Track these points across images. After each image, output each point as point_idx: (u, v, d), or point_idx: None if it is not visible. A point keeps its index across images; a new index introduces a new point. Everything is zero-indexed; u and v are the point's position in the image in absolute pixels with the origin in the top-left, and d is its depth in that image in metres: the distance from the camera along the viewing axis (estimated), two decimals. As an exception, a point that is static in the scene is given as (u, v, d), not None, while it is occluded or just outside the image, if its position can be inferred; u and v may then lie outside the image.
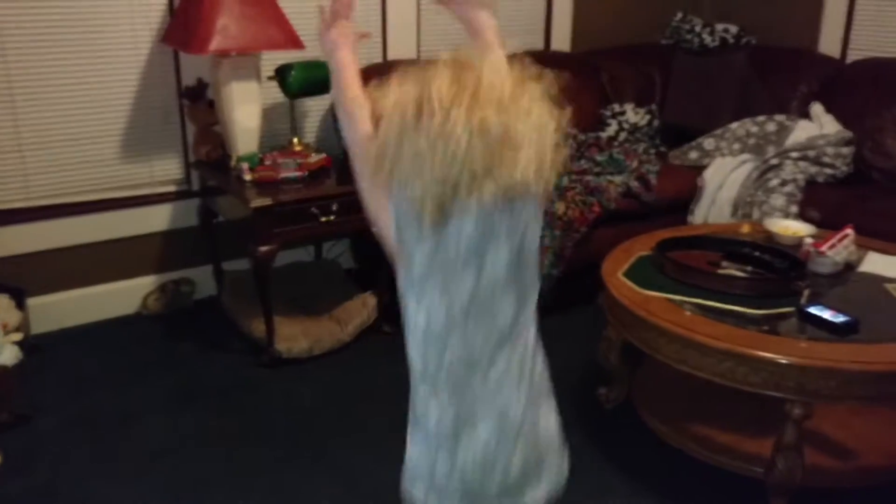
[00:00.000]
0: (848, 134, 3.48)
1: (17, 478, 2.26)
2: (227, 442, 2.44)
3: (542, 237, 2.99)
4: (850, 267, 2.45)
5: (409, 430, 1.22)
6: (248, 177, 2.86)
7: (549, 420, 1.23)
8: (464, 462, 1.17)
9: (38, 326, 3.04)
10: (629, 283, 2.34)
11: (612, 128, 3.84)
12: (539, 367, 1.21)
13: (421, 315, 1.15)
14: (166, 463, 2.34)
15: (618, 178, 3.29)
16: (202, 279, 3.39)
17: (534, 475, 1.21)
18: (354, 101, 1.27)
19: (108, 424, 2.53)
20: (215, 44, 2.71)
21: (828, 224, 2.74)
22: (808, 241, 2.52)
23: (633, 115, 3.90)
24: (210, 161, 3.14)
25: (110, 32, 3.01)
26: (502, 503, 1.19)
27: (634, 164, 3.41)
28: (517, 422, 1.17)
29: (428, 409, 1.18)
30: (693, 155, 3.67)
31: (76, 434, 2.47)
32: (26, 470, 2.29)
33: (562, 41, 4.13)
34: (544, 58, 4.48)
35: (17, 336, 2.63)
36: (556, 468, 1.24)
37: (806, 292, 2.27)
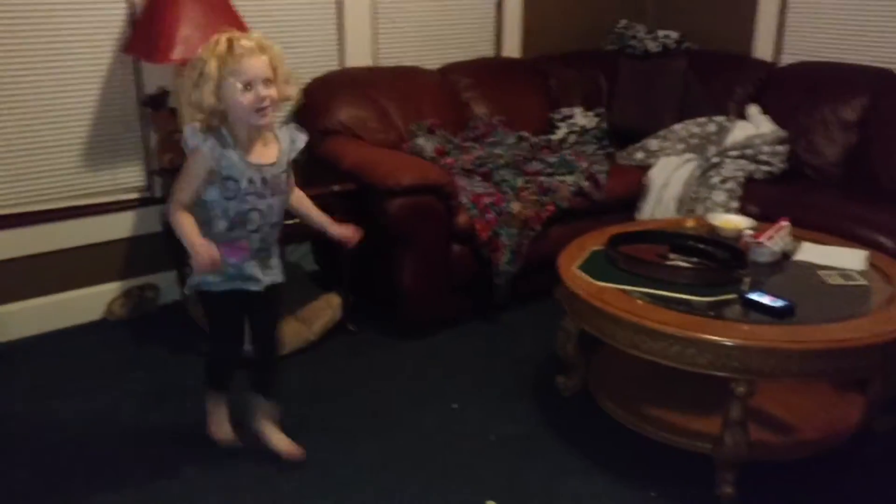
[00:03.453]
0: (783, 133, 3.69)
1: (-8, 483, 2.28)
2: (200, 442, 2.49)
3: (499, 235, 3.13)
4: (786, 256, 2.63)
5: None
6: (212, 182, 2.91)
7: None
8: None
9: (3, 335, 3.07)
10: (584, 275, 2.48)
11: (562, 131, 3.99)
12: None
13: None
14: (142, 465, 2.38)
15: (569, 178, 3.43)
16: (166, 284, 3.43)
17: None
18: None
19: (80, 428, 2.56)
20: (178, 52, 2.79)
21: (766, 217, 2.93)
22: (748, 232, 2.70)
23: (582, 118, 4.06)
24: (173, 168, 3.18)
25: (70, 42, 3.05)
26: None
27: (584, 164, 3.56)
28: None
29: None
30: (639, 155, 3.84)
31: (48, 439, 2.50)
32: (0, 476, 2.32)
33: (512, 48, 4.27)
34: (496, 64, 4.65)
35: (-15, 344, 2.66)
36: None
37: (747, 280, 2.44)
